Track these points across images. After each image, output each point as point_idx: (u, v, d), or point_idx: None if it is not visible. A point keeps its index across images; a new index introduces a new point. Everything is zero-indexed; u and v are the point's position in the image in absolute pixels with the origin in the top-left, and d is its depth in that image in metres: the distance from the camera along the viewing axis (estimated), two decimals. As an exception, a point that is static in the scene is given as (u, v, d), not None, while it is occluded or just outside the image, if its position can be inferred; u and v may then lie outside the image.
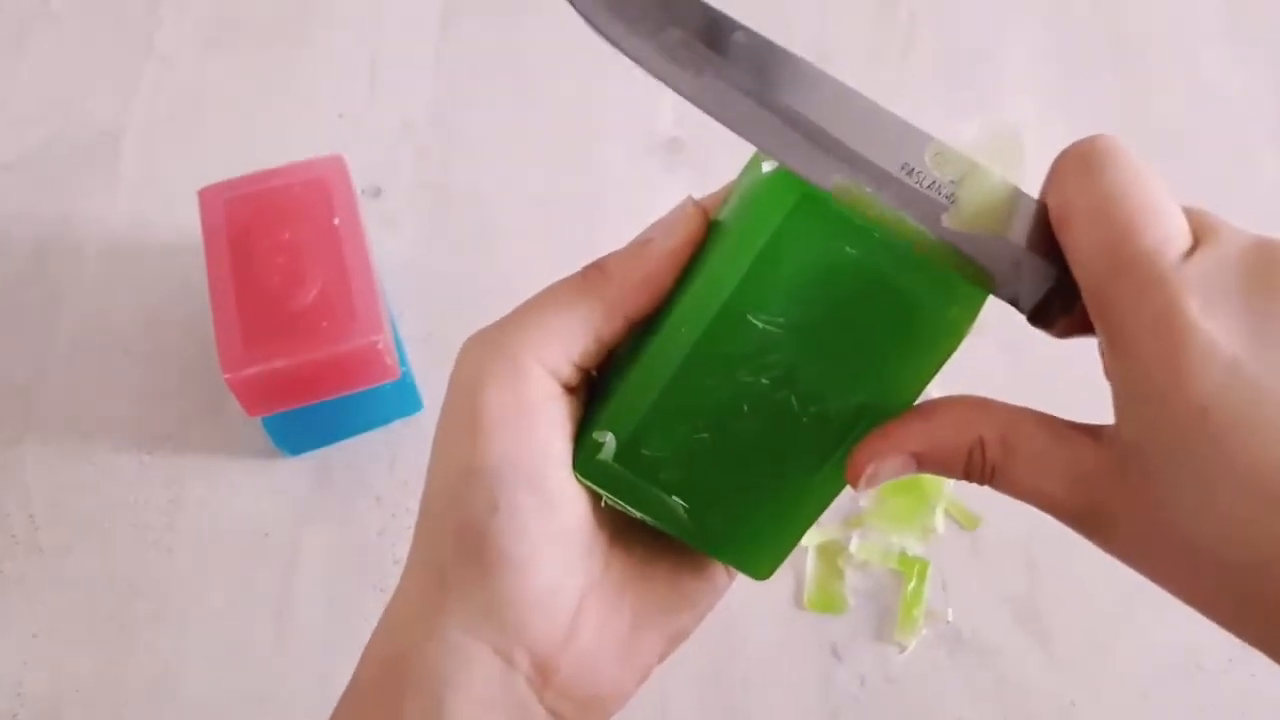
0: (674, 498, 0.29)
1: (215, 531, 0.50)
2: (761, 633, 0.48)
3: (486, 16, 0.65)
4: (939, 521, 0.50)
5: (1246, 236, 0.25)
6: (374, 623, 0.47)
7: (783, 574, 0.49)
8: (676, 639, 0.31)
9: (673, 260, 0.28)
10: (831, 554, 0.49)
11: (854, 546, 0.49)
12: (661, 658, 0.31)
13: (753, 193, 0.28)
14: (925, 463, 0.28)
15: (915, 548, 0.49)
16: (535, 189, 0.59)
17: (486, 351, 0.28)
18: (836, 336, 0.28)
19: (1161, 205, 0.25)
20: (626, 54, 0.25)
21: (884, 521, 0.50)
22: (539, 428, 0.28)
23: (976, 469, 0.27)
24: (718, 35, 0.26)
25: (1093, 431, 0.26)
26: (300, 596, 0.48)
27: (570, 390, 0.29)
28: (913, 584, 0.48)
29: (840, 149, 0.26)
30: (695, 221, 0.28)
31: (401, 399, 0.52)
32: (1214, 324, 0.24)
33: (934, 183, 0.26)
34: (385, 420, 0.52)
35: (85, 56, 0.63)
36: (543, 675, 0.28)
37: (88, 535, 0.50)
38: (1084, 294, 0.26)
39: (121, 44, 0.64)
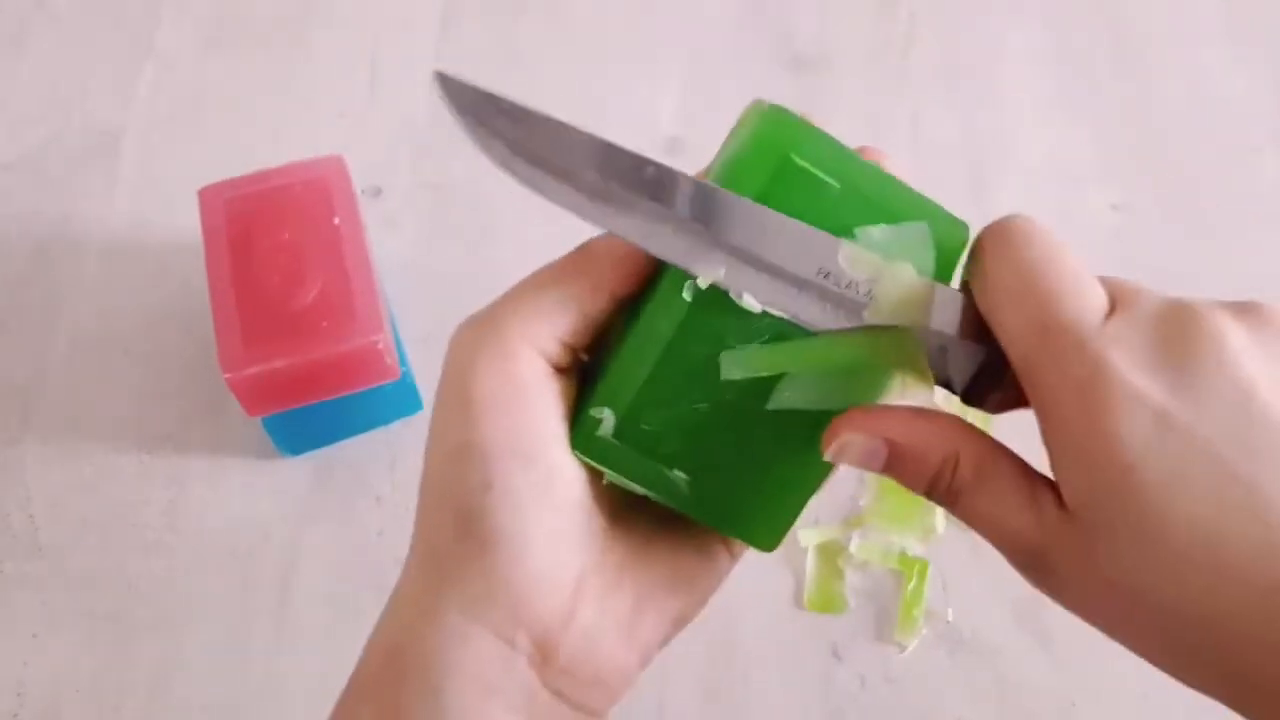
0: (675, 471, 0.29)
1: (215, 531, 0.50)
2: (761, 633, 0.48)
3: (486, 16, 0.65)
4: (939, 521, 0.50)
5: (1161, 297, 0.26)
6: (373, 622, 0.48)
7: (783, 574, 0.49)
8: (679, 622, 0.31)
9: None
10: (831, 554, 0.49)
11: (854, 546, 0.49)
12: (664, 641, 0.31)
13: (733, 159, 0.28)
14: (896, 458, 0.28)
15: (915, 548, 0.49)
16: (535, 189, 0.59)
17: (476, 334, 0.29)
18: None
19: (1077, 275, 0.26)
20: (549, 199, 0.27)
21: (884, 521, 0.50)
22: (531, 405, 0.28)
23: (942, 484, 0.28)
24: (631, 171, 0.27)
25: (1051, 487, 0.27)
26: (300, 596, 0.48)
27: (561, 371, 0.29)
28: (913, 584, 0.48)
29: (760, 263, 0.27)
30: None
31: (401, 399, 0.52)
32: (1137, 379, 0.24)
33: (850, 283, 0.28)
34: (385, 420, 0.52)
35: (85, 56, 0.63)
36: (544, 655, 0.28)
37: (88, 535, 0.50)
38: (1014, 365, 0.27)
39: (121, 44, 0.64)
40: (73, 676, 0.47)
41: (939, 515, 0.50)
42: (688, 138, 0.60)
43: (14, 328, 0.55)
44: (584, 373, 0.30)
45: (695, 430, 0.29)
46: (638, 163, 0.27)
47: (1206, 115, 0.63)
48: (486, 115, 0.28)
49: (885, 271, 0.28)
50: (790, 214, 0.28)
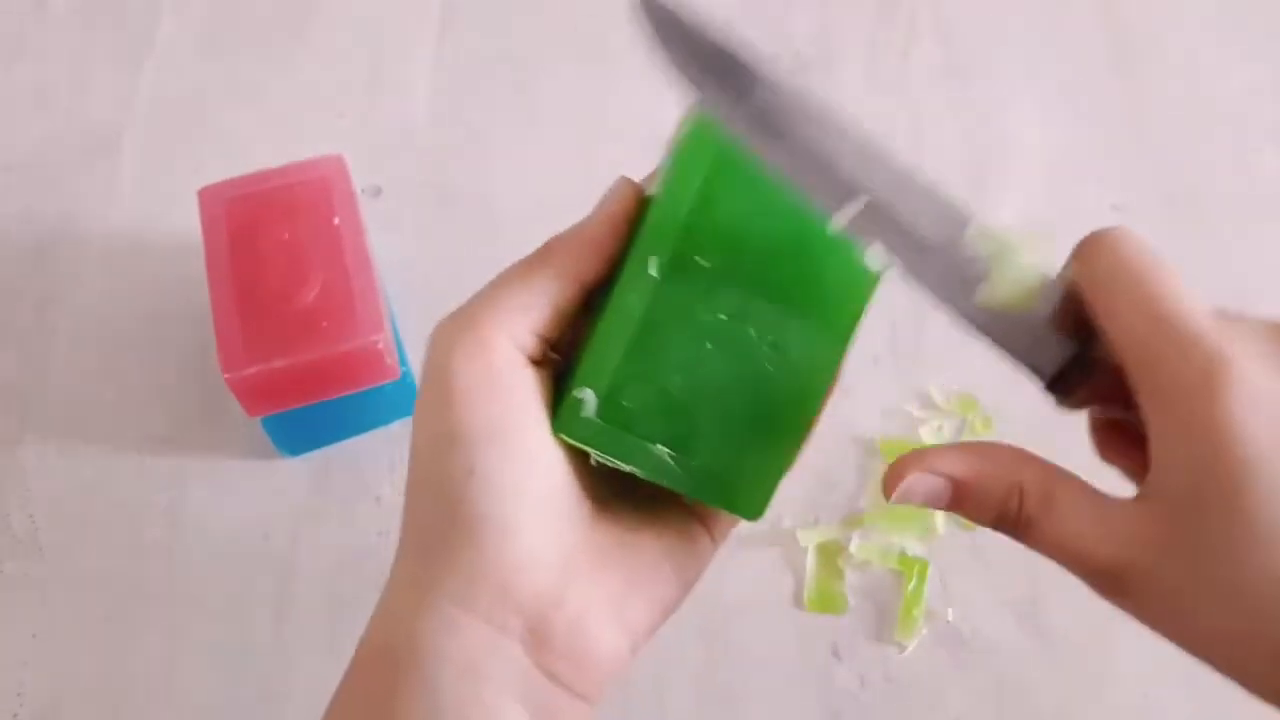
0: (659, 446, 0.31)
1: (215, 532, 0.50)
2: (761, 633, 0.48)
3: (486, 17, 0.65)
4: (939, 521, 0.50)
5: (1265, 318, 0.27)
6: (374, 623, 0.48)
7: (783, 574, 0.49)
8: (666, 608, 0.31)
9: (611, 223, 0.31)
10: (831, 554, 0.49)
11: (854, 546, 0.49)
12: (652, 629, 0.31)
13: (682, 149, 0.30)
14: (961, 495, 0.29)
15: (915, 548, 0.49)
16: (535, 189, 0.59)
17: (453, 330, 0.30)
18: (765, 273, 0.30)
19: (1186, 286, 0.27)
20: (722, 118, 0.28)
21: (884, 521, 0.50)
22: (509, 393, 0.29)
23: (1010, 516, 0.28)
24: (797, 100, 0.28)
25: (1128, 498, 0.27)
26: (300, 596, 0.48)
27: (536, 363, 0.30)
28: (913, 584, 0.48)
29: (896, 219, 0.29)
30: (627, 189, 0.31)
31: (401, 399, 0.52)
32: (1257, 373, 0.25)
33: (970, 258, 0.29)
34: (385, 421, 0.52)
35: (85, 56, 0.63)
36: (537, 637, 0.29)
37: (88, 535, 0.50)
38: (1122, 354, 0.27)
39: (121, 44, 0.64)
40: (73, 676, 0.47)
41: (939, 515, 0.50)
42: (688, 138, 0.60)
43: (14, 328, 0.55)
44: (557, 371, 0.31)
45: (675, 404, 0.30)
46: (805, 94, 0.28)
47: (1206, 115, 0.63)
48: (672, 36, 0.28)
49: (1006, 253, 0.29)
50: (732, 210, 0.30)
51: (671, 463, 0.31)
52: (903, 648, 0.47)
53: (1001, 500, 0.28)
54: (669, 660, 0.47)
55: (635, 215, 0.31)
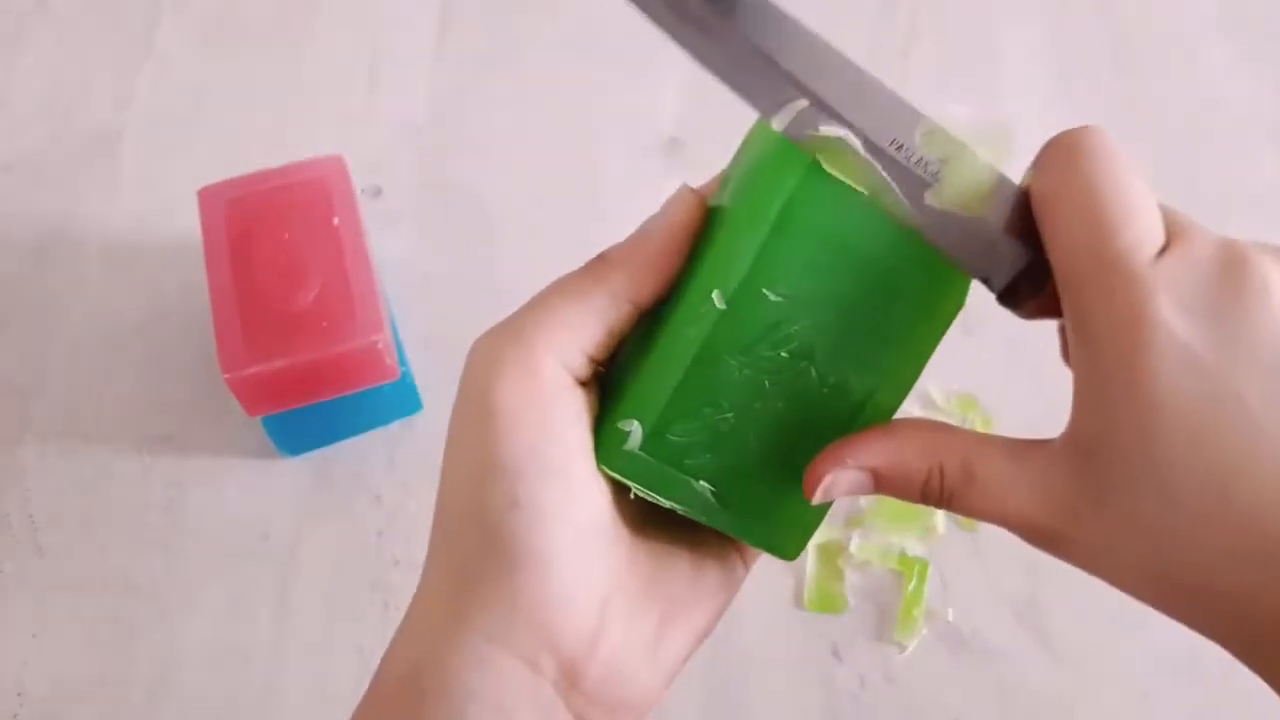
0: (701, 483, 0.29)
1: (215, 531, 0.50)
2: (761, 633, 0.48)
3: (486, 16, 0.65)
4: (939, 521, 0.50)
5: (1216, 238, 0.26)
6: (372, 622, 0.48)
7: (783, 574, 0.49)
8: (700, 636, 0.30)
9: (673, 243, 0.28)
10: (831, 554, 0.49)
11: (854, 546, 0.49)
12: (686, 658, 0.30)
13: (758, 165, 0.28)
14: (883, 482, 0.28)
15: (915, 548, 0.49)
16: (535, 189, 0.59)
17: (497, 347, 0.28)
18: (844, 306, 0.28)
19: (1140, 203, 0.26)
20: (639, 7, 0.26)
21: (884, 521, 0.50)
22: (556, 420, 0.27)
23: (934, 493, 0.28)
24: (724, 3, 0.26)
25: (1050, 443, 0.27)
26: (300, 596, 0.48)
27: (583, 384, 0.29)
28: (913, 584, 0.48)
29: (838, 118, 0.27)
30: (691, 203, 0.29)
31: (401, 399, 0.52)
32: (1180, 324, 0.24)
33: (921, 160, 0.27)
34: (385, 420, 0.52)
35: (85, 56, 0.63)
36: (570, 680, 0.27)
37: (88, 535, 0.50)
38: (1058, 282, 0.26)
39: (121, 44, 0.64)
40: (73, 676, 0.47)
41: (939, 515, 0.50)
42: (688, 138, 0.60)
43: (14, 328, 0.55)
44: (600, 384, 0.30)
45: (723, 441, 0.29)
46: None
47: (1206, 115, 0.63)
48: None
49: (958, 154, 0.27)
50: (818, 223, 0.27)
51: (713, 500, 0.29)
52: (903, 648, 0.47)
53: (922, 482, 0.28)
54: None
55: (698, 229, 0.29)
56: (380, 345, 0.46)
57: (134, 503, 0.50)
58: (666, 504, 0.29)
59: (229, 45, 0.64)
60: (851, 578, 0.49)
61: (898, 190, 0.27)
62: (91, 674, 0.47)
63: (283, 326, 0.45)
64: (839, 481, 0.28)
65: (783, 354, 0.28)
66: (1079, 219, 0.25)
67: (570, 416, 0.28)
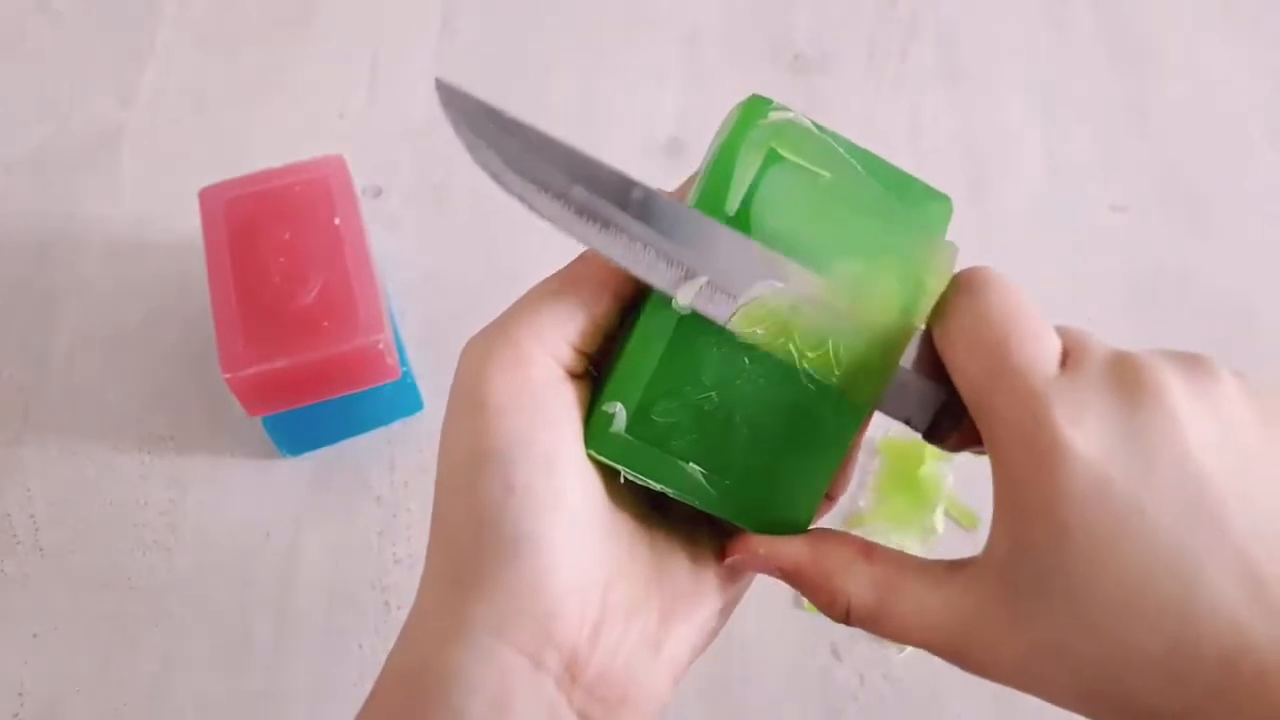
0: (691, 465, 0.29)
1: (215, 531, 0.50)
2: (761, 632, 0.48)
3: (486, 17, 0.65)
4: (939, 521, 0.50)
5: (1109, 352, 0.26)
6: (373, 622, 0.48)
7: (783, 574, 0.49)
8: (704, 633, 0.30)
9: None
10: (831, 554, 0.49)
11: (854, 546, 0.49)
12: (693, 655, 0.30)
13: (717, 155, 0.29)
14: (792, 583, 0.29)
15: (915, 548, 0.49)
16: (535, 189, 0.59)
17: (486, 344, 0.29)
18: (816, 281, 0.29)
19: (1034, 326, 0.27)
20: (538, 213, 0.27)
21: (884, 521, 0.50)
22: (547, 409, 0.28)
23: (840, 616, 0.29)
24: (619, 192, 0.27)
25: (969, 565, 0.27)
26: (300, 596, 0.48)
27: (576, 377, 0.29)
28: (913, 584, 0.48)
29: (733, 289, 0.28)
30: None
31: (402, 399, 0.52)
32: (1083, 439, 0.25)
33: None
34: (386, 420, 0.52)
35: (85, 56, 0.63)
36: (572, 674, 0.27)
37: (88, 535, 0.50)
38: (969, 409, 0.27)
39: (121, 44, 0.64)
40: (73, 676, 0.47)
41: (939, 515, 0.50)
42: (687, 138, 0.60)
43: (14, 328, 0.55)
44: (594, 385, 0.30)
45: (708, 421, 0.29)
46: (625, 184, 0.27)
47: (1206, 115, 0.63)
48: (483, 126, 0.28)
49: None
50: (782, 207, 0.28)
51: (704, 483, 0.29)
52: (903, 648, 0.47)
53: (827, 603, 0.29)
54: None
55: None
56: (381, 345, 0.46)
57: (134, 503, 0.50)
58: (657, 487, 0.29)
59: (229, 45, 0.64)
60: (851, 577, 0.49)
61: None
62: (92, 673, 0.47)
63: (283, 326, 0.45)
64: (749, 565, 0.30)
65: (759, 330, 0.29)
66: (977, 344, 0.27)
67: (561, 406, 0.28)
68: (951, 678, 0.47)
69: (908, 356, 0.28)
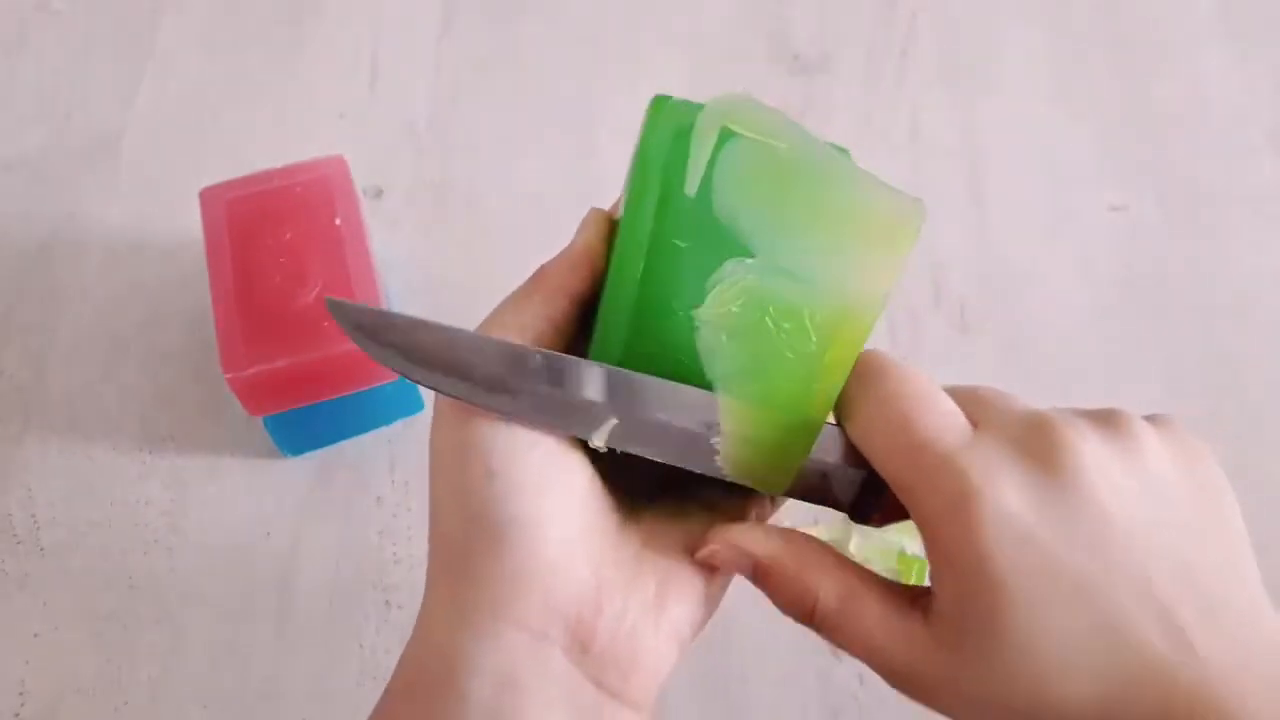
0: None
1: (216, 531, 0.50)
2: (761, 631, 0.48)
3: (486, 16, 0.65)
4: (939, 521, 0.50)
5: (1019, 411, 0.28)
6: (373, 621, 0.48)
7: (783, 574, 0.49)
8: (703, 602, 0.31)
9: (589, 243, 0.31)
10: (831, 554, 0.49)
11: (854, 546, 0.49)
12: (696, 625, 0.31)
13: (639, 148, 0.31)
14: (760, 577, 0.30)
15: (915, 547, 0.49)
16: (535, 188, 0.59)
17: None
18: (767, 239, 0.29)
19: (933, 401, 0.28)
20: (448, 394, 0.28)
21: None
22: None
23: (806, 613, 0.30)
24: (519, 363, 0.29)
25: (925, 600, 0.28)
26: (300, 596, 0.49)
27: None
28: (912, 583, 0.48)
29: (651, 424, 0.29)
30: (599, 214, 0.32)
31: (402, 399, 0.52)
32: (1000, 495, 0.26)
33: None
34: (386, 421, 0.52)
35: (85, 56, 0.64)
36: (582, 644, 0.28)
37: (89, 535, 0.50)
38: (892, 487, 0.28)
39: (121, 44, 0.64)
40: (74, 676, 0.47)
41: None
42: (688, 138, 0.60)
43: (14, 328, 0.55)
44: None
45: (687, 380, 0.30)
46: (523, 353, 0.29)
47: (1206, 115, 0.63)
48: (379, 331, 0.29)
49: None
50: (742, 182, 0.29)
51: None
52: (902, 647, 0.47)
53: (796, 598, 0.29)
54: (669, 660, 0.47)
55: (611, 232, 0.32)
56: (381, 345, 0.46)
57: (134, 503, 0.50)
58: (651, 455, 0.30)
59: (229, 45, 0.64)
60: (851, 577, 0.49)
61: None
62: (92, 673, 0.47)
63: (284, 326, 0.45)
64: (723, 556, 0.30)
65: (732, 308, 0.29)
66: (883, 426, 0.28)
67: None
68: (951, 677, 0.47)
69: (825, 449, 0.30)
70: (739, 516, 0.33)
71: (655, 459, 0.29)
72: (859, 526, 0.50)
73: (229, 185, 0.49)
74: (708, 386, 0.30)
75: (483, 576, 0.28)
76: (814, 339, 0.29)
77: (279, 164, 0.50)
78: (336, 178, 0.49)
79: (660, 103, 0.31)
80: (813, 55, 0.64)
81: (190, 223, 0.49)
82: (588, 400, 0.29)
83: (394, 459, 0.52)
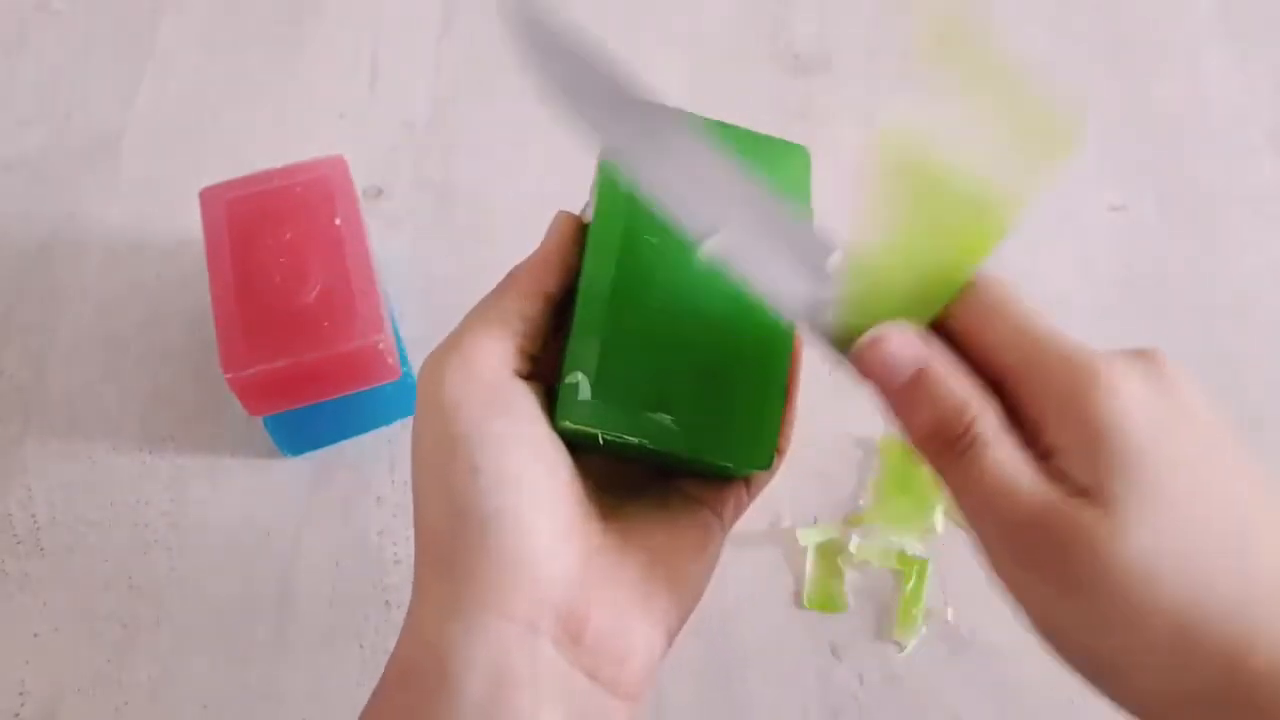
0: (659, 414, 0.32)
1: (215, 531, 0.50)
2: (761, 631, 0.48)
3: (486, 16, 0.65)
4: (939, 521, 0.50)
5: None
6: (373, 622, 0.48)
7: (782, 573, 0.49)
8: (689, 588, 0.32)
9: (560, 242, 0.33)
10: (831, 553, 0.49)
11: (854, 546, 0.49)
12: (683, 615, 0.31)
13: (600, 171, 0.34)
14: (921, 382, 0.28)
15: (915, 547, 0.49)
16: (535, 188, 0.59)
17: (440, 357, 0.31)
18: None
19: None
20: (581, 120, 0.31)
21: (884, 521, 0.50)
22: (502, 397, 0.30)
23: (953, 436, 0.28)
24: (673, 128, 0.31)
25: (1061, 475, 0.27)
26: (300, 596, 0.49)
27: (525, 377, 0.31)
28: (912, 583, 0.48)
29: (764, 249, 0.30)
30: (566, 216, 0.34)
31: (402, 399, 0.52)
32: (1129, 382, 0.27)
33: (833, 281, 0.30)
34: (386, 421, 0.52)
35: (85, 56, 0.63)
36: (572, 635, 0.28)
37: (89, 535, 0.50)
38: (1013, 372, 0.29)
39: (123, 44, 0.64)
40: (74, 676, 0.47)
41: (939, 515, 0.50)
42: (688, 138, 0.60)
43: (14, 328, 0.55)
44: (547, 390, 0.32)
45: (662, 369, 0.32)
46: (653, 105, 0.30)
47: (1206, 115, 0.63)
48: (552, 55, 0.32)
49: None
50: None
51: (674, 427, 0.31)
52: (902, 647, 0.47)
53: (955, 409, 0.28)
54: (669, 659, 0.47)
55: (579, 237, 0.33)
56: (381, 345, 0.46)
57: (134, 503, 0.50)
58: (633, 440, 0.31)
59: (229, 45, 0.64)
60: (851, 577, 0.49)
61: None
62: (92, 673, 0.47)
63: (284, 326, 0.45)
64: (887, 348, 0.28)
65: (697, 299, 0.32)
66: (1017, 321, 0.29)
67: (515, 395, 0.30)
68: (951, 677, 0.47)
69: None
70: (719, 507, 0.33)
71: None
72: (859, 527, 0.50)
73: (229, 185, 0.49)
74: (686, 379, 0.32)
75: (471, 570, 0.28)
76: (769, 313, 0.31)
77: (279, 164, 0.50)
78: (336, 178, 0.49)
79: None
80: (813, 55, 0.64)
81: (190, 223, 0.49)
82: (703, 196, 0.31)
83: (394, 459, 0.52)
